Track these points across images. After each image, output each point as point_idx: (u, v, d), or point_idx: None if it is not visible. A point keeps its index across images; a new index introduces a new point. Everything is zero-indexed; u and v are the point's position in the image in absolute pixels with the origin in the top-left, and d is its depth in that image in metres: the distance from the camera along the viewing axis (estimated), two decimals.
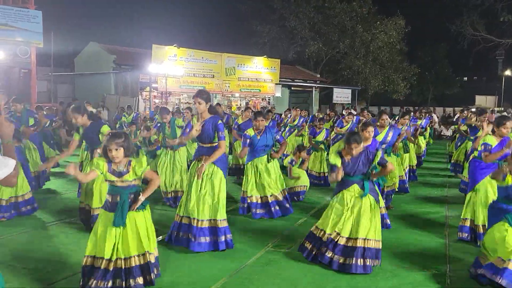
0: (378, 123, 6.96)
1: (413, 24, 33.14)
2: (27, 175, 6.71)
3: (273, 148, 6.91)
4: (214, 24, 42.61)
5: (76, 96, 21.24)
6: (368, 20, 32.30)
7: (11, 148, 2.67)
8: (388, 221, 6.11)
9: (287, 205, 6.78)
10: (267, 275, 4.49)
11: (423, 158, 12.33)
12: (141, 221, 3.95)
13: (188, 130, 5.36)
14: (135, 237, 3.90)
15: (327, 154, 9.38)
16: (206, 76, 21.93)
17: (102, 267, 3.79)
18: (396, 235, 5.89)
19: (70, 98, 21.11)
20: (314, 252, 4.74)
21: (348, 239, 4.56)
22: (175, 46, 20.47)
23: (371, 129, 5.92)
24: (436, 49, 41.79)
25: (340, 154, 4.76)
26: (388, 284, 4.32)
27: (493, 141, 5.35)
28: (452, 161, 10.44)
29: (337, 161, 4.68)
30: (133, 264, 3.87)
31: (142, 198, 3.92)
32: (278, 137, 6.92)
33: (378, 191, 5.15)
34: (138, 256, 3.91)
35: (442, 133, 23.24)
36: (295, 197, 7.72)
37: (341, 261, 4.52)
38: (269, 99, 26.94)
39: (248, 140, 6.63)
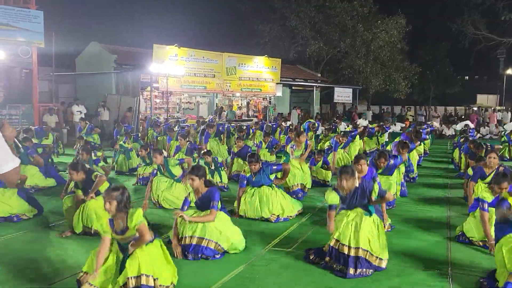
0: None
1: (414, 23, 33.12)
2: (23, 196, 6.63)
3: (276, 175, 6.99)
4: (215, 24, 42.62)
5: (78, 96, 21.27)
6: (369, 19, 32.25)
7: (12, 150, 2.73)
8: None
9: None
10: (268, 275, 4.50)
11: (421, 158, 12.24)
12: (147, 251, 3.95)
13: (186, 207, 5.24)
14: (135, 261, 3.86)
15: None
16: (207, 76, 21.93)
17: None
18: (398, 235, 5.89)
19: (71, 98, 21.13)
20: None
21: (349, 247, 4.52)
22: (176, 46, 20.47)
23: (363, 161, 5.89)
24: (437, 48, 41.68)
25: (336, 190, 4.76)
26: (390, 283, 4.31)
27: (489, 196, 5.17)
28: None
29: (335, 199, 4.69)
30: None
31: (130, 248, 3.91)
32: (275, 168, 6.80)
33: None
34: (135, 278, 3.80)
35: (443, 133, 23.21)
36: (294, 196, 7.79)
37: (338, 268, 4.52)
38: (270, 99, 26.95)
39: (244, 181, 6.69)
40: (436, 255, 5.14)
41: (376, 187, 4.77)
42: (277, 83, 25.67)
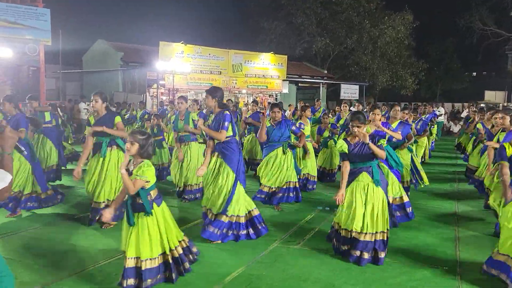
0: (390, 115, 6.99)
1: (421, 19, 32.95)
2: (37, 173, 6.63)
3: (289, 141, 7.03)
4: (221, 21, 42.59)
5: (85, 94, 21.36)
6: (375, 16, 32.10)
7: (11, 161, 2.72)
8: (410, 209, 6.14)
9: (298, 194, 6.97)
10: (276, 271, 4.50)
11: (430, 151, 12.28)
12: (152, 223, 3.99)
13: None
14: (145, 239, 3.95)
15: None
16: (213, 73, 21.94)
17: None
18: (405, 231, 5.86)
19: (78, 96, 21.23)
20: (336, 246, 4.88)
21: (360, 233, 4.60)
22: (182, 43, 20.50)
23: (378, 111, 5.91)
24: (445, 44, 41.43)
25: (346, 140, 4.72)
26: (397, 280, 4.30)
27: None
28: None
29: (344, 147, 4.64)
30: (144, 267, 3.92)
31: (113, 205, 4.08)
32: (294, 128, 6.94)
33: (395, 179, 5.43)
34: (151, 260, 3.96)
35: (450, 129, 23.07)
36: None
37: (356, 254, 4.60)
38: (276, 96, 26.93)
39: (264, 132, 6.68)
40: (444, 252, 5.11)
41: (383, 140, 4.78)
42: (283, 80, 25.64)
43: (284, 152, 6.80)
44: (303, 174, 7.99)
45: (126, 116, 13.56)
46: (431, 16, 40.07)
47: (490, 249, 5.07)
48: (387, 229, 4.68)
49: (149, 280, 3.91)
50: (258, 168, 7.01)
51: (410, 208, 6.11)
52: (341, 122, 10.11)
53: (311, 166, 8.07)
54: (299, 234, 5.69)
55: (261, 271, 4.49)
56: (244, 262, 4.69)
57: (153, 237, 3.96)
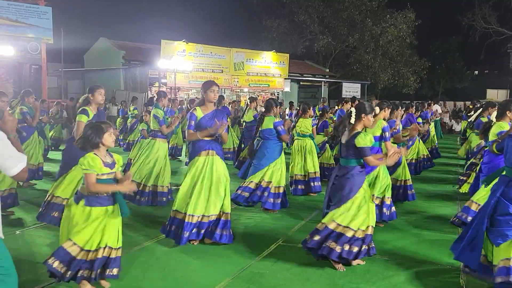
0: None
1: (424, 17, 32.87)
2: None
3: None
4: (223, 19, 42.51)
5: (86, 92, 21.36)
6: (377, 14, 32.05)
7: (17, 141, 2.77)
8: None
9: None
10: (278, 270, 4.48)
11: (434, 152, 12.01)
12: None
13: (193, 122, 5.07)
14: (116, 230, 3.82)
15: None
16: (215, 71, 21.94)
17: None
18: (408, 231, 5.85)
19: (80, 94, 21.21)
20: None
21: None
22: (184, 41, 20.49)
23: (386, 108, 5.94)
24: (447, 43, 41.37)
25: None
26: (401, 279, 4.28)
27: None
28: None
29: (372, 141, 4.45)
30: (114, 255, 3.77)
31: (120, 188, 3.77)
32: (280, 129, 6.52)
33: None
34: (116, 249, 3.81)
35: (452, 128, 23.03)
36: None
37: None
38: (278, 94, 26.91)
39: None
40: (447, 251, 5.09)
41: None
42: (285, 79, 25.62)
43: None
44: (307, 173, 7.92)
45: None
46: (433, 15, 40.09)
47: None
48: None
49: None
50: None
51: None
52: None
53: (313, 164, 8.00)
54: (302, 233, 5.68)
55: (263, 270, 4.48)
56: (246, 262, 4.68)
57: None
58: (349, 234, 4.30)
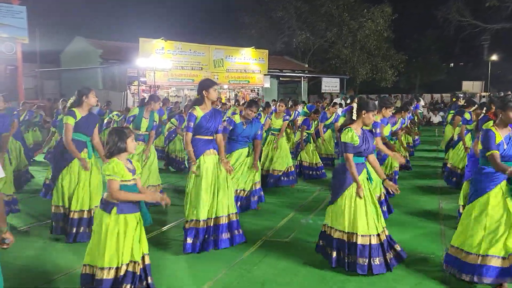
0: None
1: (400, 11, 33.25)
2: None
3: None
4: (201, 17, 42.25)
5: (64, 92, 21.03)
6: (355, 8, 32.30)
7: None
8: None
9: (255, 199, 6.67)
10: (266, 265, 4.53)
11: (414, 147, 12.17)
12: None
13: (192, 124, 4.95)
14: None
15: (315, 146, 9.47)
16: (194, 69, 21.81)
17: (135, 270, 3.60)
18: (392, 225, 5.96)
19: (57, 94, 20.89)
20: None
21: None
22: (162, 39, 20.30)
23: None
24: (423, 36, 41.99)
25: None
26: (388, 272, 4.35)
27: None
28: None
29: (356, 139, 4.29)
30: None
31: (145, 197, 3.68)
32: (259, 133, 6.40)
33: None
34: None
35: (430, 120, 23.44)
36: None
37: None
38: (258, 90, 26.92)
39: (230, 128, 6.30)
40: (431, 242, 5.21)
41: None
42: (264, 75, 25.62)
43: (248, 154, 6.42)
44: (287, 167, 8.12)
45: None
46: (410, 8, 40.48)
47: None
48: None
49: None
50: None
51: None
52: (328, 121, 10.15)
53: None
54: (288, 229, 5.73)
55: (252, 266, 4.52)
56: (234, 258, 4.71)
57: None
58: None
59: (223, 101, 24.77)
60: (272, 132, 8.31)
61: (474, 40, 39.12)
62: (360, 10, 32.03)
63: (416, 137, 12.82)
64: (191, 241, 4.83)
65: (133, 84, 20.53)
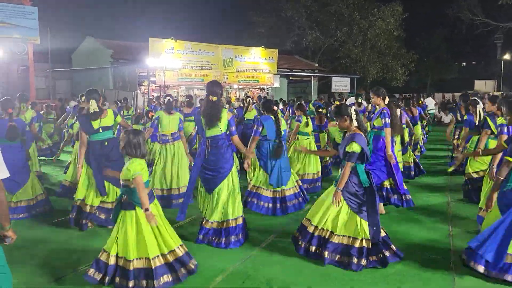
0: None
1: (411, 10, 33.02)
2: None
3: None
4: (211, 16, 42.40)
5: (75, 92, 21.23)
6: (365, 7, 32.15)
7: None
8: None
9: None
10: (273, 263, 4.54)
11: (422, 146, 11.93)
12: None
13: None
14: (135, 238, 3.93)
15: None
16: (204, 68, 21.88)
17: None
18: (399, 224, 5.93)
19: (69, 94, 21.10)
20: None
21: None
22: (172, 39, 20.40)
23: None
24: (434, 35, 41.64)
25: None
26: (392, 271, 4.33)
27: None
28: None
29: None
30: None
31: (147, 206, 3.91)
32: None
33: None
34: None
35: (441, 119, 23.22)
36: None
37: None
38: (267, 90, 26.93)
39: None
40: (438, 242, 5.17)
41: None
42: (274, 74, 25.63)
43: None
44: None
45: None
46: (421, 7, 40.18)
47: None
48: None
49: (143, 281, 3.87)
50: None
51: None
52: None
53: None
54: (295, 228, 5.73)
55: (258, 264, 4.53)
56: (241, 256, 4.72)
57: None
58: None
59: (233, 100, 24.90)
60: (299, 136, 8.11)
61: (487, 39, 38.73)
62: (370, 9, 31.87)
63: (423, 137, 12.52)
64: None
65: (143, 83, 20.66)
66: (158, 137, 7.30)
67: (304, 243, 4.60)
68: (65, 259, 4.71)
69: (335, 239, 4.42)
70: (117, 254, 3.92)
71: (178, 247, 4.10)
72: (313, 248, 4.52)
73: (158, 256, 3.91)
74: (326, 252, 4.41)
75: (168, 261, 3.97)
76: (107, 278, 3.88)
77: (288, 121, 8.88)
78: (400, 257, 4.49)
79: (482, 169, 6.48)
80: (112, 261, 3.90)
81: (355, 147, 4.33)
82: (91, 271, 3.94)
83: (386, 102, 6.11)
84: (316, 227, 4.54)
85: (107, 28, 31.08)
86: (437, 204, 6.93)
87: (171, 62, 19.32)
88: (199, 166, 5.13)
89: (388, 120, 5.89)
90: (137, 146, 3.88)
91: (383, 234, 4.47)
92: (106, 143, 5.59)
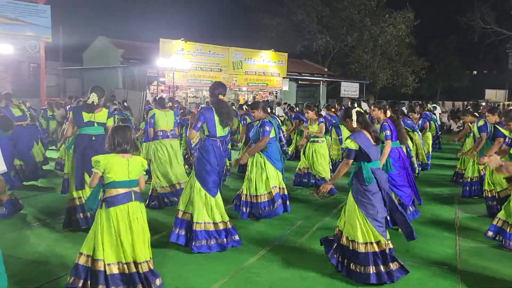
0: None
1: (422, 17, 32.91)
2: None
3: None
4: (222, 18, 42.51)
5: (85, 91, 21.33)
6: (376, 13, 32.07)
7: None
8: None
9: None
10: (275, 269, 4.50)
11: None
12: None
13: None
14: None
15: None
16: (213, 70, 21.92)
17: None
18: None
19: (79, 92, 21.22)
20: None
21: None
22: (182, 40, 20.47)
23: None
24: (446, 42, 41.40)
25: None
26: (397, 281, 4.29)
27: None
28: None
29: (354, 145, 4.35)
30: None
31: None
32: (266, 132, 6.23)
33: None
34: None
35: (451, 128, 23.06)
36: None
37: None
38: (276, 93, 26.91)
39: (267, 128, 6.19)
40: (444, 253, 5.11)
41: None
42: (283, 78, 25.61)
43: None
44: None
45: None
46: (432, 14, 40.05)
47: (488, 245, 5.10)
48: None
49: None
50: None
51: None
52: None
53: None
54: (298, 234, 5.70)
55: (260, 269, 4.49)
56: (243, 261, 4.70)
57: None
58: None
59: (241, 102, 24.93)
60: (312, 139, 8.13)
61: (498, 48, 38.47)
62: (381, 15, 31.78)
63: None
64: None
65: (152, 84, 20.73)
66: (157, 133, 7.21)
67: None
68: (39, 267, 4.71)
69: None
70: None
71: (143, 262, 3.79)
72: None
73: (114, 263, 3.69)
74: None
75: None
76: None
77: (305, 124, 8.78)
78: (407, 272, 4.38)
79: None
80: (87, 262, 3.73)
81: (348, 143, 4.31)
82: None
83: (388, 115, 6.04)
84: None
85: (119, 28, 31.30)
86: (445, 215, 6.85)
87: (180, 63, 19.38)
88: (216, 168, 5.02)
89: (388, 132, 5.82)
90: (116, 143, 3.77)
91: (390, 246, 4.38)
92: (93, 138, 5.49)
